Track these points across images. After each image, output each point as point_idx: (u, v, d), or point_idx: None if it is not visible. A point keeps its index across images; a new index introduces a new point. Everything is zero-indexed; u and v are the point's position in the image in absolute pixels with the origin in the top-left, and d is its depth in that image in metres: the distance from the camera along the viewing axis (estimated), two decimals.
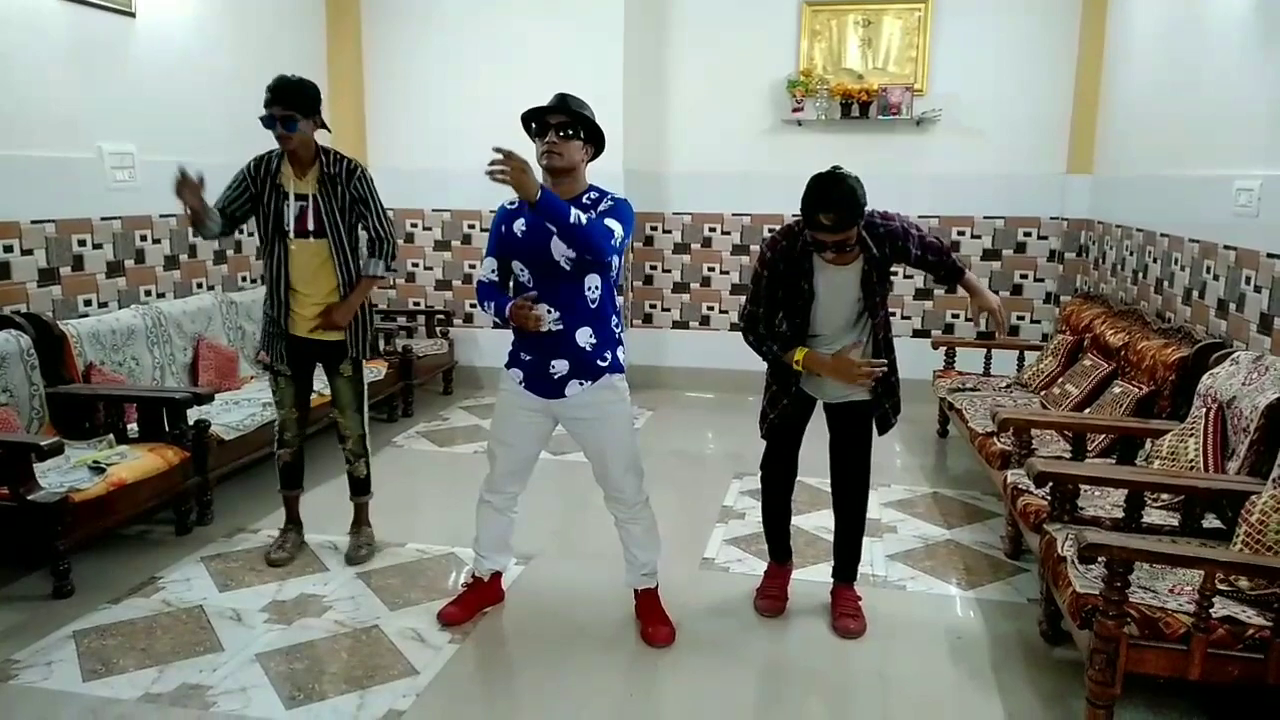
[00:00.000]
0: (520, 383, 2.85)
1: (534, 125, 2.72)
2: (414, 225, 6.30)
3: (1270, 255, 3.33)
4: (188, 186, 3.06)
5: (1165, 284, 4.36)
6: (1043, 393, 4.48)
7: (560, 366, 2.78)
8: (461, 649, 2.92)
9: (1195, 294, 3.99)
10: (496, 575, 3.17)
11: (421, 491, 4.53)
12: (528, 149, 2.54)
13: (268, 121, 3.14)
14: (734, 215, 6.22)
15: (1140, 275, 4.73)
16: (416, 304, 6.38)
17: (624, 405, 2.88)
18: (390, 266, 3.39)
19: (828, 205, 2.58)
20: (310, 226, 3.25)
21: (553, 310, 2.71)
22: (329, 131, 3.36)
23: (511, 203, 2.81)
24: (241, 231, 5.22)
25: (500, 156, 2.42)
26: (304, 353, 3.41)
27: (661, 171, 6.21)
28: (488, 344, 6.16)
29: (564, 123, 2.66)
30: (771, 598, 3.18)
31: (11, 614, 3.08)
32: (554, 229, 2.57)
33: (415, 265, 6.35)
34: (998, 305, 2.95)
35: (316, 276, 3.30)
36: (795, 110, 5.89)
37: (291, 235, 3.25)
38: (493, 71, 5.83)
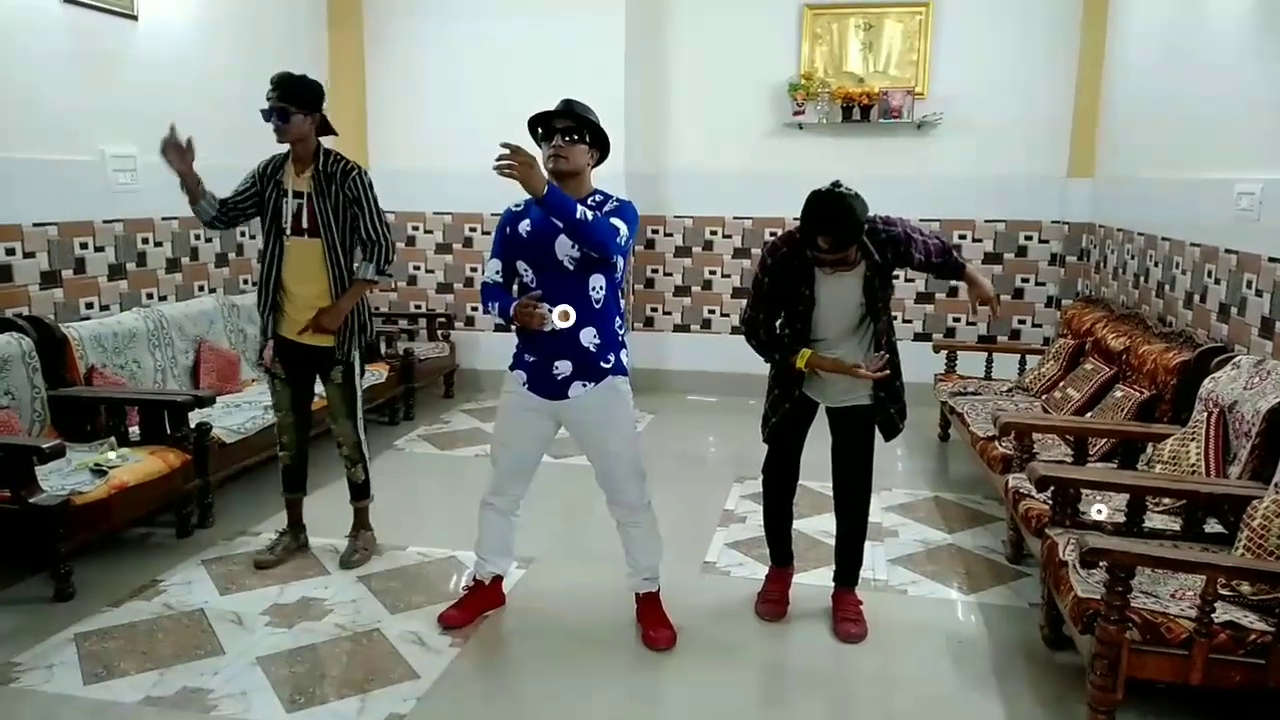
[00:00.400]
0: (524, 384, 2.86)
1: (540, 130, 2.74)
2: (415, 228, 6.30)
3: (1272, 259, 3.33)
4: (173, 147, 3.05)
5: (1167, 288, 4.36)
6: (1044, 397, 4.47)
7: (564, 368, 2.78)
8: (463, 653, 2.92)
9: (1197, 298, 3.99)
10: (498, 578, 3.17)
11: (422, 495, 4.53)
12: (532, 153, 2.55)
13: (266, 114, 3.17)
14: (735, 218, 6.22)
15: (1142, 279, 4.73)
16: (418, 307, 6.37)
17: (627, 408, 2.88)
18: (384, 271, 3.35)
19: (826, 228, 2.59)
20: (305, 225, 3.25)
21: (553, 309, 2.71)
22: (335, 135, 3.36)
23: (517, 205, 2.83)
24: (243, 234, 5.24)
25: (508, 151, 2.44)
26: (296, 357, 3.41)
27: (663, 174, 6.20)
28: (489, 347, 6.16)
29: (570, 127, 2.69)
30: (773, 602, 3.18)
31: (12, 617, 3.07)
32: (560, 224, 2.59)
33: (417, 268, 6.35)
34: (994, 295, 2.96)
35: (309, 276, 3.29)
36: (796, 113, 5.88)
37: (288, 232, 3.26)
38: (494, 75, 5.83)
